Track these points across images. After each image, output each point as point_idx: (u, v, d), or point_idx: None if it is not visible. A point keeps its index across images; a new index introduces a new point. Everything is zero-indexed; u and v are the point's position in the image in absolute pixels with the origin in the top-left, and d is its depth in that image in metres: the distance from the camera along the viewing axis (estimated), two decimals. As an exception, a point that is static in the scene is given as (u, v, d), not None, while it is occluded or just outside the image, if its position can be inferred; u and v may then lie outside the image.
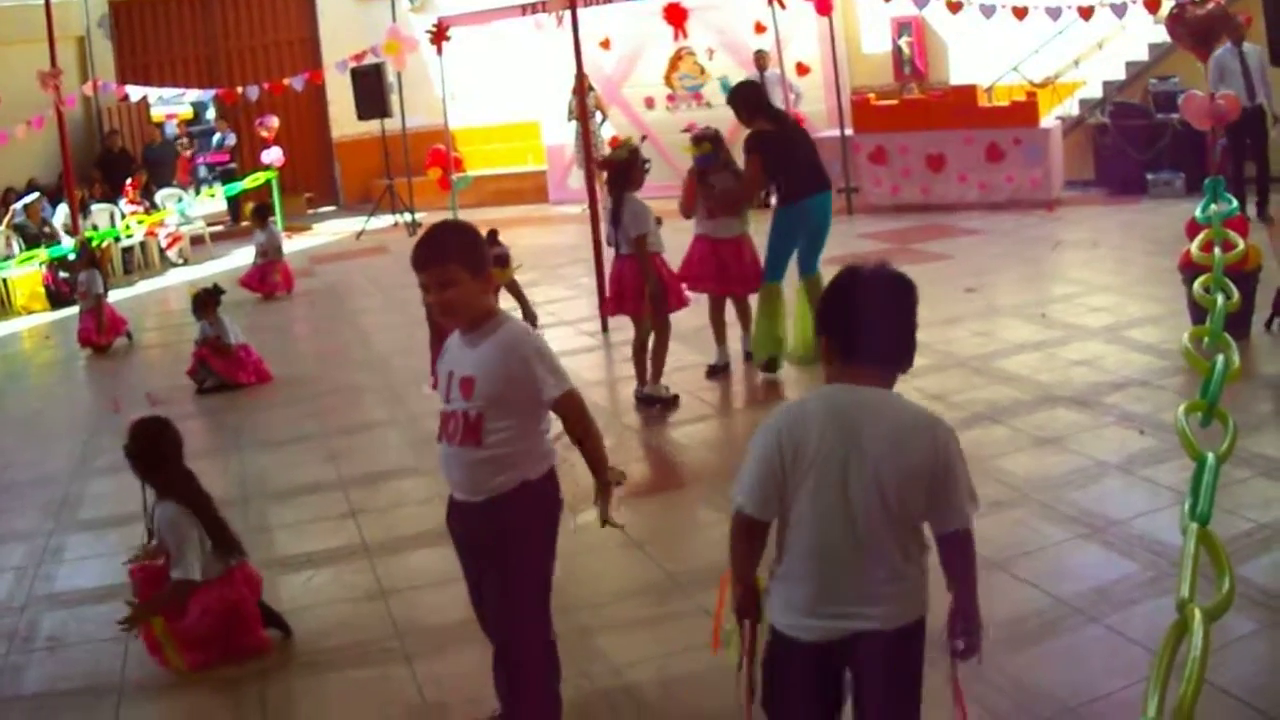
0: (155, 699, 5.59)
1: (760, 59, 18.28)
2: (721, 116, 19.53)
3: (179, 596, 5.68)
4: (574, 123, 19.19)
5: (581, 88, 12.59)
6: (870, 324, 3.46)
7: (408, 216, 20.92)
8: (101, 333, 13.87)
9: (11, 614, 6.66)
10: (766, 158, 9.41)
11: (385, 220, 21.43)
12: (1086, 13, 15.54)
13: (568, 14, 11.55)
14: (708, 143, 9.65)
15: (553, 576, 4.51)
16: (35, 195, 19.73)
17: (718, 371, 9.89)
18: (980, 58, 18.54)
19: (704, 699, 4.81)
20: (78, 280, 14.40)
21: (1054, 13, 15.76)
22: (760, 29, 18.78)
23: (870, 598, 3.37)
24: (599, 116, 20.02)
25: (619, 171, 9.05)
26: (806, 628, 3.45)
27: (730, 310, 10.01)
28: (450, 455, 4.42)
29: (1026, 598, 5.39)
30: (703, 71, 20.52)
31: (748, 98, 9.85)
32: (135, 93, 21.44)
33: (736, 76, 19.67)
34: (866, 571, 3.37)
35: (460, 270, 4.27)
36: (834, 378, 3.52)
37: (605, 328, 11.47)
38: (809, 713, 3.58)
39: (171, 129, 27.03)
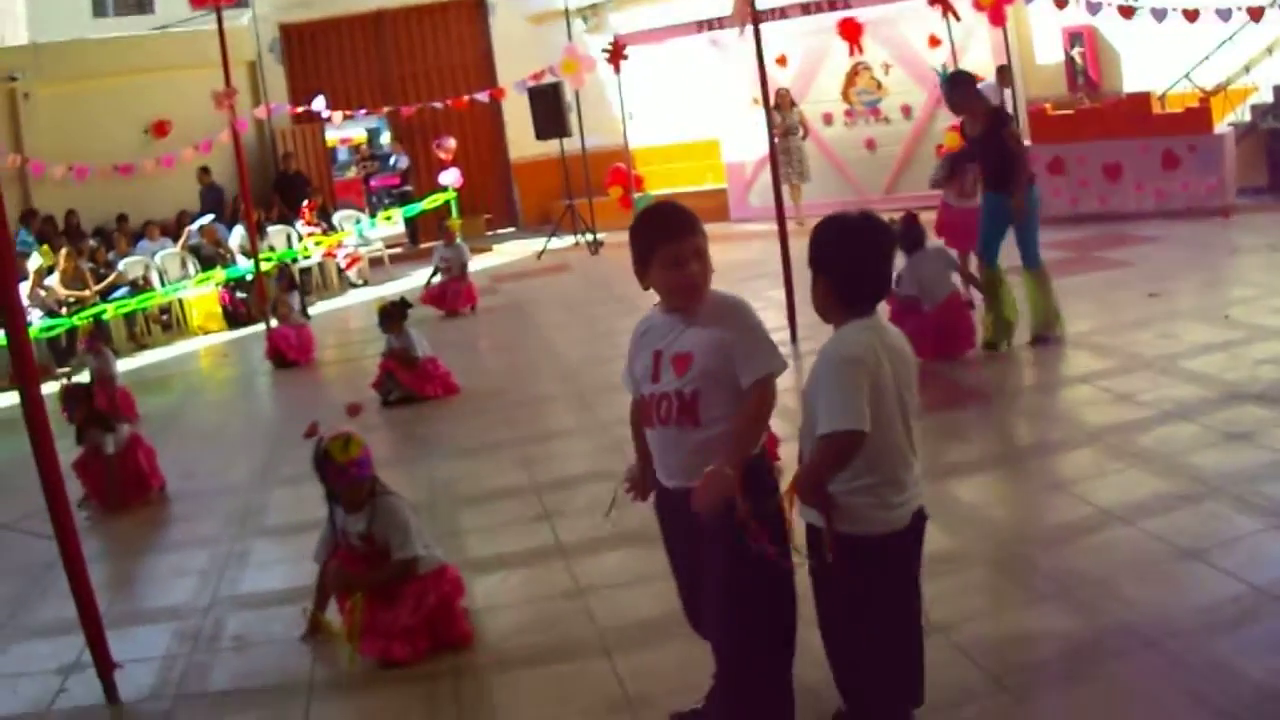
0: (347, 696, 5.69)
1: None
2: (899, 132, 19.77)
3: (400, 575, 5.85)
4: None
5: (767, 103, 12.43)
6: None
7: (589, 236, 21.14)
8: (293, 350, 14.35)
9: (196, 615, 6.86)
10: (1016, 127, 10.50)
11: (566, 240, 21.65)
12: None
13: (748, 29, 11.54)
14: (941, 176, 12.07)
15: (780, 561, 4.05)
16: (210, 217, 20.40)
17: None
18: (1151, 66, 18.29)
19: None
20: (278, 302, 14.90)
21: (1224, 14, 15.55)
22: (935, 42, 18.83)
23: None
24: (800, 131, 19.99)
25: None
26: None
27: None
28: (664, 438, 4.24)
29: (1223, 586, 5.42)
30: (879, 86, 20.24)
31: (965, 85, 10.66)
32: (316, 105, 21.06)
33: (912, 91, 19.70)
34: None
35: (705, 243, 4.21)
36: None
37: (794, 338, 11.49)
38: None
39: (345, 154, 27.43)
